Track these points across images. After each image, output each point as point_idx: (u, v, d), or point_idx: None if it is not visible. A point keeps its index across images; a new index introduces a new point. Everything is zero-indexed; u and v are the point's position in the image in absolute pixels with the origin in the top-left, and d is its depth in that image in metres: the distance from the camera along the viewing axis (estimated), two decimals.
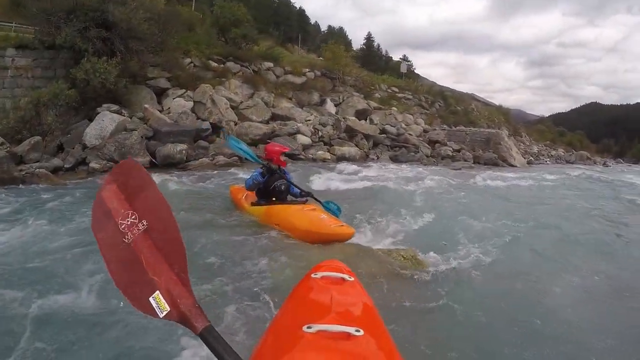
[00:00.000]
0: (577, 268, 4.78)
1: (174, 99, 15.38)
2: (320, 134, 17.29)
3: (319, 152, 15.45)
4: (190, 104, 15.27)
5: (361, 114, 21.48)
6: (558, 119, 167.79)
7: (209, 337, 1.19)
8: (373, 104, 23.36)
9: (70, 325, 2.88)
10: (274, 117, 17.57)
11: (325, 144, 16.73)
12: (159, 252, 1.42)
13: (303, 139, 16.03)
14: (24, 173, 8.83)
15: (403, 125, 21.28)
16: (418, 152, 17.87)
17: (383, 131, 19.61)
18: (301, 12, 56.17)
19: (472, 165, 17.57)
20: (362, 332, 1.33)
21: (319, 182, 9.73)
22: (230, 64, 19.34)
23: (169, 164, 11.19)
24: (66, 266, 3.89)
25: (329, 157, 15.24)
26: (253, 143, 14.16)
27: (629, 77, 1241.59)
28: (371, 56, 56.99)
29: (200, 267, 3.84)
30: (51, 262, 4.01)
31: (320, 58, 29.87)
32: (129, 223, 1.49)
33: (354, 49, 57.24)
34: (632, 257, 5.63)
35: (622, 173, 34.41)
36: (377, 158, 16.61)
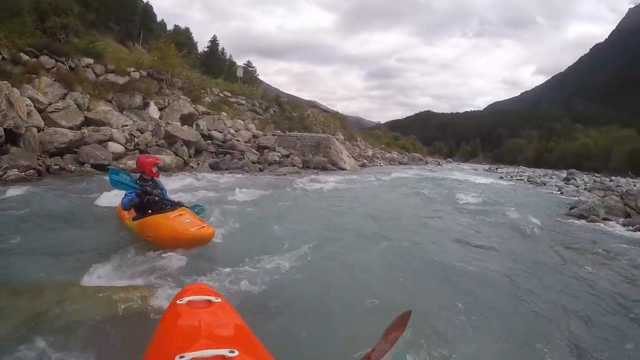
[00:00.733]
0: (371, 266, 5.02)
1: None
2: (136, 140, 15.49)
3: (130, 161, 13.61)
4: None
5: (187, 119, 19.90)
6: (394, 125, 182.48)
7: None
8: (202, 108, 21.88)
9: None
10: (88, 122, 15.17)
11: (141, 152, 14.97)
12: None
13: (115, 147, 14.03)
14: None
15: (232, 131, 20.20)
16: (244, 158, 16.90)
17: (209, 137, 18.37)
18: (147, 7, 51.92)
19: (298, 170, 17.17)
20: (236, 353, 1.44)
21: (102, 198, 8.00)
22: (44, 58, 16.45)
23: None
24: None
25: None
26: (58, 152, 12.27)
27: (459, 89, 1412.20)
28: (214, 59, 54.96)
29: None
30: None
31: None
32: None
33: (198, 51, 55.18)
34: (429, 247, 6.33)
35: (449, 171, 38.14)
36: (197, 166, 15.24)
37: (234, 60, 67.91)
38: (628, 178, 40.90)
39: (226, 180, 12.06)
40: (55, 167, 11.19)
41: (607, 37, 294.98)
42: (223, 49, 66.37)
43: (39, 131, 12.69)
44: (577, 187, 23.28)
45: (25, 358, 2.50)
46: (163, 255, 4.53)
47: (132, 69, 20.70)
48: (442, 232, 7.46)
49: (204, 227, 4.93)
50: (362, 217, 8.18)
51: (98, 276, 3.91)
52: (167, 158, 14.25)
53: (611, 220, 10.11)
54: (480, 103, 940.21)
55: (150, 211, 5.44)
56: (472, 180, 23.77)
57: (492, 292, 4.46)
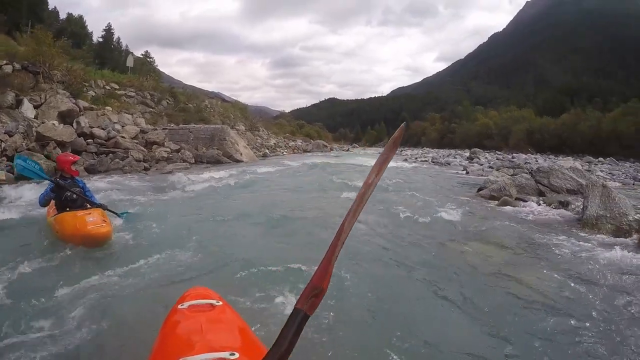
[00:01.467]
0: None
1: None
2: (3, 146, 13.92)
3: None
4: None
5: (66, 117, 18.20)
6: (300, 114, 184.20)
7: None
8: (84, 103, 20.14)
9: None
10: None
11: (8, 158, 13.45)
12: None
13: None
14: None
15: (117, 127, 18.84)
16: (127, 157, 15.77)
17: (90, 135, 16.97)
18: None
19: (188, 166, 16.38)
20: (237, 355, 1.45)
21: None
22: None
23: None
24: None
25: (4, 178, 12.07)
26: None
27: (363, 76, 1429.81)
28: (109, 50, 51.57)
29: None
30: None
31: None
32: None
33: (93, 41, 51.24)
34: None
35: (353, 155, 38.69)
36: None
37: (131, 51, 64.31)
38: (529, 154, 44.21)
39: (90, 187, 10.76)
40: None
41: (504, 27, 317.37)
42: (119, 38, 62.55)
43: None
44: (482, 165, 24.35)
45: None
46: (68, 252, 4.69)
47: (4, 62, 18.65)
48: (322, 228, 6.43)
49: (102, 226, 5.06)
50: (222, 220, 6.98)
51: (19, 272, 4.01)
52: None
53: (525, 201, 9.49)
54: (384, 89, 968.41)
55: (68, 209, 5.51)
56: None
57: (393, 304, 3.78)
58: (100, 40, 55.95)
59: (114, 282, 3.92)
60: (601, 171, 21.87)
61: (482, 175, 17.02)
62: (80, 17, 57.41)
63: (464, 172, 19.97)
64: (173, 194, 9.74)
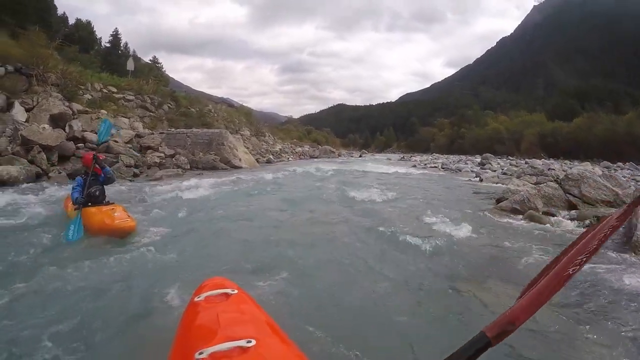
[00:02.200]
0: None
1: None
2: None
3: None
4: None
5: (58, 120, 17.31)
6: (308, 119, 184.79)
7: None
8: (78, 106, 19.29)
9: None
10: None
11: None
12: None
13: None
14: None
15: (112, 132, 17.91)
16: (117, 162, 14.81)
17: (82, 139, 16.08)
18: None
19: (180, 173, 15.40)
20: (253, 342, 1.48)
21: None
22: None
23: None
24: None
25: None
26: None
27: (371, 82, 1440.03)
28: (115, 55, 51.00)
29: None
30: None
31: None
32: None
33: (102, 46, 50.81)
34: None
35: (361, 161, 37.69)
36: (54, 176, 12.97)
37: (139, 56, 63.96)
38: (542, 159, 42.66)
39: (45, 198, 9.13)
40: None
41: (512, 31, 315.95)
42: (126, 44, 62.25)
43: None
44: (495, 171, 23.06)
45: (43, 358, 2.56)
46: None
47: None
48: (320, 250, 5.45)
49: (127, 220, 5.71)
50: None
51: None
52: (11, 169, 11.87)
53: (553, 215, 8.08)
54: (392, 95, 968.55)
55: (90, 204, 6.10)
56: (381, 170, 22.95)
57: None
58: (108, 45, 55.75)
59: (130, 275, 4.13)
60: (624, 177, 20.51)
61: (497, 183, 15.85)
62: (89, 23, 57.26)
63: (477, 179, 18.52)
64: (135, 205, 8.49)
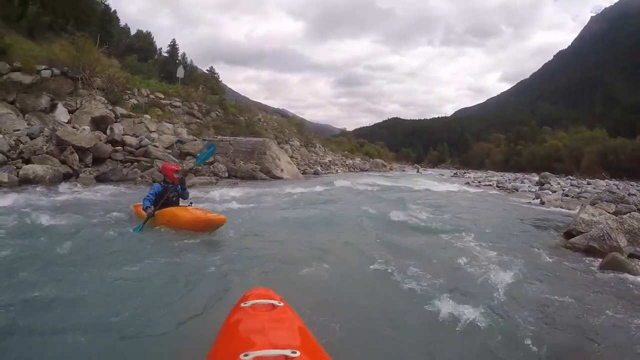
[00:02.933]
0: None
1: None
2: (21, 147, 12.96)
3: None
4: None
5: (100, 122, 17.13)
6: (362, 132, 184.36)
7: None
8: (122, 110, 19.08)
9: None
10: None
11: (24, 160, 12.42)
12: None
13: None
14: None
15: (153, 136, 17.50)
16: (152, 167, 14.20)
17: (121, 143, 15.69)
18: (106, 10, 48.37)
19: (214, 181, 14.53)
20: (298, 354, 1.51)
21: None
22: None
23: None
24: None
25: (6, 180, 10.81)
26: None
27: (425, 97, 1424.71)
28: (172, 64, 52.13)
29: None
30: None
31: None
32: None
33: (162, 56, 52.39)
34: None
35: (412, 176, 36.03)
36: (76, 178, 12.45)
37: (195, 65, 65.35)
38: (606, 180, 39.41)
39: (89, 196, 9.28)
40: None
41: (569, 44, 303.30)
42: (184, 54, 63.91)
43: None
44: (555, 191, 20.93)
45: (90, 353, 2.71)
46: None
47: (44, 67, 18.05)
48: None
49: (217, 214, 6.40)
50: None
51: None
52: (38, 169, 11.51)
53: None
54: (447, 110, 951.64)
55: (162, 207, 6.48)
56: (433, 188, 21.02)
57: None
58: (166, 55, 57.28)
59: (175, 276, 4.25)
60: None
61: (561, 207, 13.74)
62: (149, 33, 59.38)
63: (537, 200, 16.08)
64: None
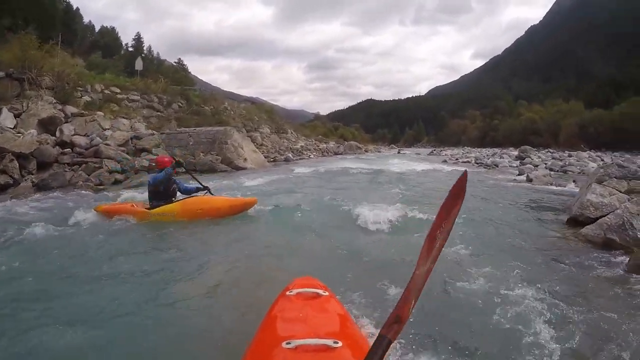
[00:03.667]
0: None
1: None
2: None
3: None
4: None
5: (48, 124, 16.03)
6: (336, 116, 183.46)
7: None
8: (72, 109, 17.95)
9: None
10: None
11: None
12: None
13: None
14: None
15: (107, 134, 16.48)
16: (100, 167, 13.26)
17: (70, 144, 14.73)
18: (68, 8, 46.46)
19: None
20: (340, 344, 1.47)
21: None
22: None
23: None
24: None
25: None
26: None
27: (400, 76, 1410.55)
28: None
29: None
30: None
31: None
32: None
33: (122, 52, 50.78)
34: None
35: (388, 157, 35.44)
36: (15, 187, 11.35)
37: (163, 59, 63.72)
38: (588, 151, 39.35)
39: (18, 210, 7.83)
40: None
41: (541, 19, 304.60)
42: (150, 47, 62.31)
43: None
44: (537, 166, 20.46)
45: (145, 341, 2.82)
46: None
47: None
48: None
49: (248, 196, 7.53)
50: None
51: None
52: None
53: None
54: (421, 89, 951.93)
55: (174, 199, 6.78)
56: (408, 167, 20.35)
57: None
58: (131, 49, 55.72)
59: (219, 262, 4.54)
60: None
61: (551, 184, 12.35)
62: (113, 29, 57.85)
63: (523, 177, 14.87)
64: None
